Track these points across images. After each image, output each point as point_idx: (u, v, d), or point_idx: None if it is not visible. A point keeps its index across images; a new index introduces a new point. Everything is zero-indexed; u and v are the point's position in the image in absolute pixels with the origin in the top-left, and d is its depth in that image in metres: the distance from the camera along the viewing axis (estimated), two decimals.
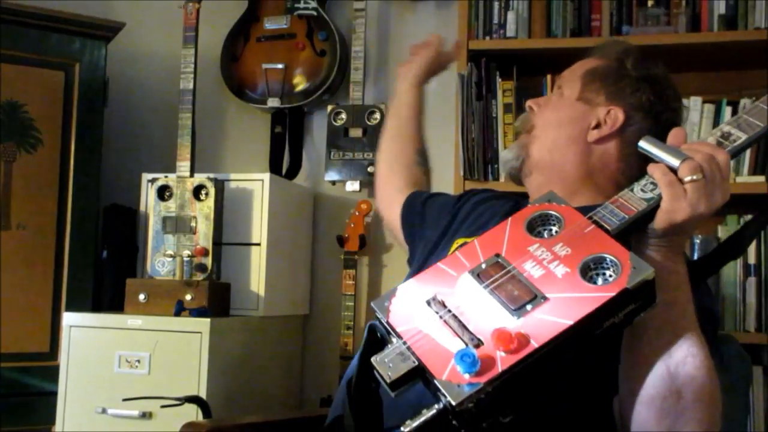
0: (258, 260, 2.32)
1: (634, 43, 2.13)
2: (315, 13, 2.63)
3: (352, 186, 2.55)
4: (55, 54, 2.40)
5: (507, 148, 1.45)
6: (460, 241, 1.35)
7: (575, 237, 0.92)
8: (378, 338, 0.92)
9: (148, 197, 2.40)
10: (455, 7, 2.43)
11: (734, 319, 2.11)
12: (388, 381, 0.84)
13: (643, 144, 0.98)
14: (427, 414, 0.81)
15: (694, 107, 2.16)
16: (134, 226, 2.53)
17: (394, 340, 0.88)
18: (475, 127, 2.26)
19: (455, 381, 0.80)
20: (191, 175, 2.31)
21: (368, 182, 2.57)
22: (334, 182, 2.61)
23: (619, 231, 0.93)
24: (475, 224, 1.38)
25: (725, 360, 1.40)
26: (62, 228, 2.36)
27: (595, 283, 0.87)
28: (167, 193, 2.31)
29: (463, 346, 0.83)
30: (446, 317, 0.87)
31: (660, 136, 1.31)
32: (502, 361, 0.81)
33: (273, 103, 2.65)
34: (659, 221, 0.93)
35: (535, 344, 0.82)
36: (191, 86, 2.35)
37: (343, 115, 2.57)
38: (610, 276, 0.87)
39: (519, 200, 1.40)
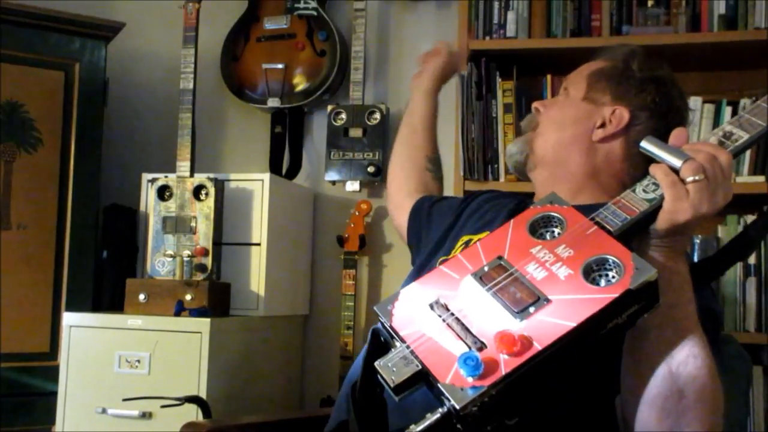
0: (258, 260, 2.32)
1: (635, 43, 2.15)
2: (315, 13, 2.63)
3: (352, 186, 2.55)
4: (55, 54, 2.40)
5: (512, 142, 1.46)
6: (465, 238, 1.36)
7: (577, 238, 0.92)
8: (381, 342, 0.92)
9: (148, 197, 2.40)
10: (455, 7, 2.43)
11: (734, 319, 2.11)
12: (391, 385, 0.84)
13: (645, 144, 0.98)
14: (431, 418, 0.81)
15: (694, 107, 2.16)
16: (134, 226, 2.53)
17: (398, 344, 0.87)
18: (475, 127, 2.26)
19: (459, 384, 0.80)
20: (191, 175, 2.31)
21: (368, 182, 2.57)
22: (334, 182, 2.61)
23: (621, 232, 0.93)
24: (481, 221, 1.39)
25: (725, 360, 1.40)
26: (62, 228, 2.36)
27: (597, 284, 0.87)
28: (167, 193, 2.31)
29: (467, 349, 0.83)
30: (449, 320, 0.87)
31: (665, 136, 1.32)
32: (506, 364, 0.81)
33: (273, 103, 2.65)
34: (661, 222, 0.93)
35: (538, 347, 0.81)
36: (191, 86, 2.34)
37: (343, 115, 2.57)
38: (613, 277, 0.87)
39: (523, 199, 1.41)
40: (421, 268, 1.38)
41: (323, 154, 2.61)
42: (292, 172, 2.69)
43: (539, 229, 0.97)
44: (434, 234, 1.45)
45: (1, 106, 2.32)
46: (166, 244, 2.27)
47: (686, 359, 0.93)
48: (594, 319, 0.84)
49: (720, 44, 2.16)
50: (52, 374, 2.18)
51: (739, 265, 2.12)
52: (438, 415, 0.81)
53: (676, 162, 0.93)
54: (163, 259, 2.27)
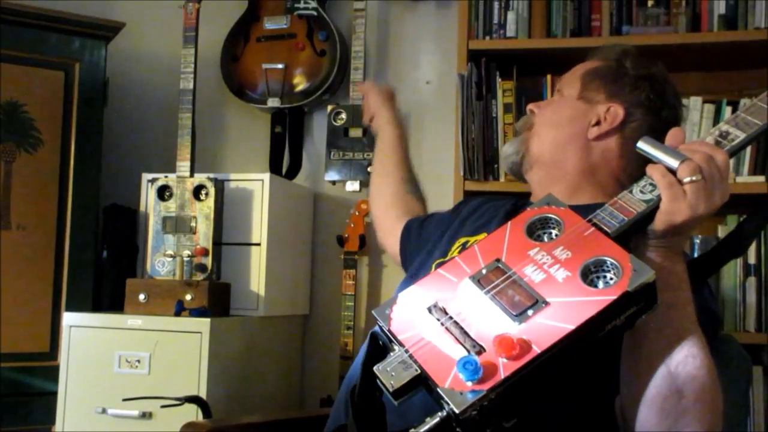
0: (258, 260, 2.32)
1: (634, 43, 2.15)
2: (315, 13, 2.63)
3: (352, 186, 2.55)
4: (55, 54, 2.40)
5: (507, 143, 1.46)
6: (462, 239, 1.36)
7: (575, 240, 0.92)
8: (380, 346, 0.92)
9: (148, 197, 2.40)
10: (455, 7, 2.43)
11: (734, 319, 2.11)
12: (390, 390, 0.84)
13: (642, 145, 0.98)
14: (430, 422, 0.81)
15: (694, 107, 2.16)
16: (134, 226, 2.53)
17: (396, 348, 0.87)
18: (475, 127, 2.25)
19: (458, 389, 0.80)
20: (191, 175, 2.31)
21: (368, 182, 2.56)
22: (334, 182, 2.61)
23: (618, 233, 0.93)
24: (478, 222, 1.39)
25: (725, 360, 1.41)
26: (62, 228, 2.36)
27: (596, 286, 0.87)
28: (167, 193, 2.31)
29: (465, 353, 0.83)
30: (448, 324, 0.87)
31: (660, 133, 1.32)
32: (505, 367, 0.80)
33: (273, 103, 2.65)
34: (659, 222, 0.93)
35: (537, 350, 0.81)
36: (191, 86, 2.35)
37: (343, 115, 2.57)
38: (611, 279, 0.87)
39: (518, 201, 1.41)
40: (416, 271, 1.38)
41: (323, 154, 2.60)
42: (292, 172, 2.69)
43: (536, 230, 0.97)
44: (428, 246, 1.45)
45: (1, 106, 2.32)
46: (166, 244, 2.27)
47: (685, 359, 0.93)
48: (592, 321, 0.84)
49: (720, 44, 2.16)
50: (52, 374, 2.18)
51: (739, 265, 2.12)
52: (437, 419, 0.81)
53: (673, 162, 0.93)
54: (163, 259, 2.27)
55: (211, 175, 2.31)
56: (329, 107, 2.59)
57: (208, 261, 2.23)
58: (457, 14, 2.35)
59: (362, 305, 2.57)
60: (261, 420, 1.89)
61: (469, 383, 0.79)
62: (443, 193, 2.39)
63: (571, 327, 0.83)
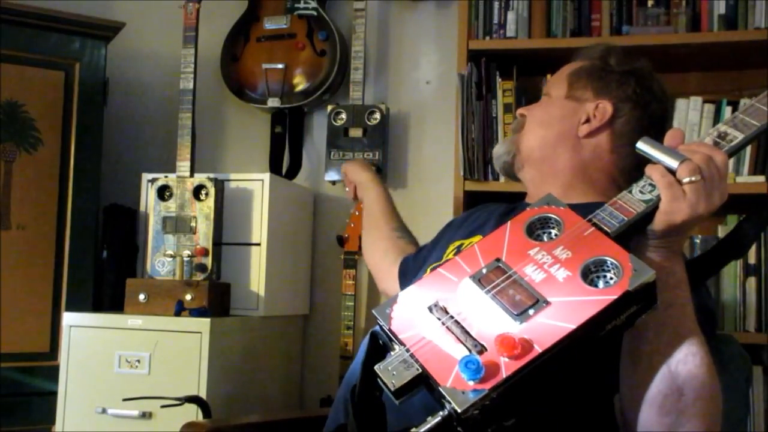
0: (258, 260, 2.32)
1: (635, 43, 2.16)
2: (315, 13, 2.63)
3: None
4: (55, 54, 2.40)
5: (498, 144, 1.48)
6: (457, 243, 1.37)
7: (575, 240, 0.92)
8: (380, 345, 0.92)
9: (148, 197, 2.40)
10: (455, 7, 2.43)
11: (734, 319, 2.11)
12: (392, 389, 0.84)
13: (641, 145, 0.99)
14: (432, 421, 0.81)
15: (694, 107, 2.16)
16: (134, 226, 2.53)
17: (397, 347, 0.88)
18: (475, 127, 2.25)
19: (460, 388, 0.80)
20: (191, 175, 2.31)
21: None
22: (334, 182, 2.61)
23: (618, 233, 0.93)
24: (473, 226, 1.41)
25: (725, 360, 1.41)
26: (62, 228, 2.36)
27: (596, 286, 0.88)
28: (167, 193, 2.31)
29: (467, 352, 0.83)
30: (449, 323, 0.88)
31: (650, 126, 1.34)
32: (506, 367, 0.81)
33: (273, 103, 2.65)
34: (658, 222, 0.94)
35: (538, 349, 0.82)
36: (191, 86, 2.34)
37: (343, 115, 2.57)
38: (611, 279, 0.88)
39: (510, 204, 1.43)
40: (412, 276, 1.39)
41: (323, 154, 2.61)
42: (292, 172, 2.70)
43: (536, 230, 0.97)
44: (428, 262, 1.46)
45: (1, 106, 2.32)
46: (166, 244, 2.27)
47: (685, 357, 0.94)
48: (593, 321, 0.84)
49: (720, 44, 2.16)
50: (52, 374, 2.18)
51: (739, 266, 2.12)
52: (439, 418, 0.81)
53: (673, 163, 0.93)
54: (163, 259, 2.27)
55: (211, 175, 2.31)
56: (329, 107, 2.59)
57: (208, 261, 2.24)
58: (457, 14, 2.35)
59: (362, 305, 2.57)
60: (261, 420, 1.90)
61: (471, 382, 0.80)
62: (443, 193, 2.40)
63: (573, 326, 0.83)
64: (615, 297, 0.85)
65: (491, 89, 2.28)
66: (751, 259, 2.11)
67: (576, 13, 2.28)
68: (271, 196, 2.33)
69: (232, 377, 2.15)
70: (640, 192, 0.95)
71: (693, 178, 0.92)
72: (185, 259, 2.22)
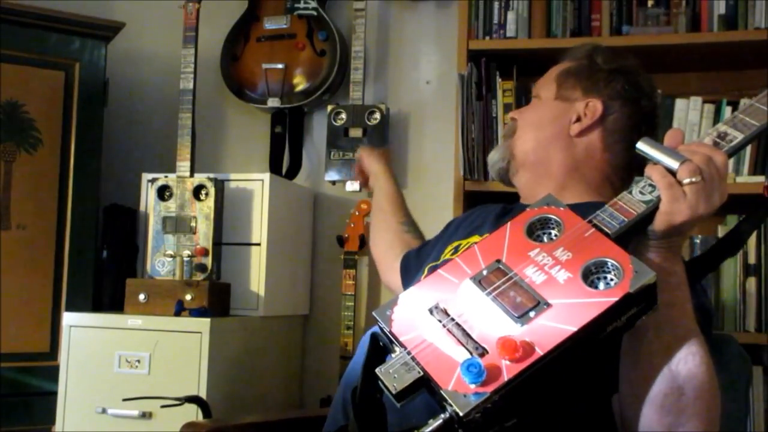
0: (258, 260, 2.32)
1: (635, 44, 2.16)
2: (315, 13, 2.63)
3: (352, 186, 2.54)
4: (55, 54, 2.39)
5: (493, 150, 1.48)
6: (455, 243, 1.37)
7: (576, 241, 0.92)
8: (380, 347, 0.92)
9: (148, 197, 2.40)
10: (455, 7, 2.43)
11: (734, 319, 2.11)
12: (393, 392, 0.84)
13: (641, 146, 0.98)
14: (433, 424, 0.81)
15: (694, 107, 2.16)
16: (134, 226, 2.53)
17: (398, 349, 0.87)
18: (475, 127, 2.25)
19: (461, 391, 0.80)
20: (191, 175, 2.31)
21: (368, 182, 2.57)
22: (334, 182, 2.61)
23: (618, 234, 0.93)
24: (470, 227, 1.41)
25: (725, 360, 1.41)
26: (62, 228, 2.36)
27: (596, 287, 0.87)
28: (167, 193, 2.31)
29: (468, 355, 0.83)
30: (449, 326, 0.87)
31: (640, 123, 1.34)
32: (508, 369, 0.81)
33: (273, 103, 2.65)
34: (659, 223, 0.94)
35: (540, 352, 0.82)
36: (191, 86, 2.34)
37: (343, 115, 2.57)
38: (612, 280, 0.87)
39: (506, 205, 1.44)
40: (414, 272, 1.39)
41: (323, 154, 2.60)
42: (292, 172, 2.69)
43: (536, 231, 0.97)
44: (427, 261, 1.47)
45: (1, 106, 2.32)
46: (166, 244, 2.27)
47: (685, 357, 0.94)
48: (595, 322, 0.84)
49: (720, 44, 2.16)
50: (52, 374, 2.18)
51: (739, 265, 2.12)
52: (440, 421, 0.81)
53: (673, 164, 0.93)
54: (163, 259, 2.27)
55: (211, 175, 2.31)
56: (329, 107, 2.59)
57: (208, 261, 2.24)
58: (457, 14, 2.35)
59: (362, 305, 2.57)
60: (261, 420, 1.90)
61: (473, 386, 0.79)
62: (443, 193, 2.40)
63: (574, 329, 0.83)
64: (616, 299, 0.84)
65: (491, 89, 2.28)
66: (751, 259, 2.11)
67: (576, 13, 2.28)
68: (271, 196, 2.33)
69: (232, 377, 2.15)
70: (640, 193, 0.95)
71: (693, 179, 0.92)
72: (185, 259, 2.22)
